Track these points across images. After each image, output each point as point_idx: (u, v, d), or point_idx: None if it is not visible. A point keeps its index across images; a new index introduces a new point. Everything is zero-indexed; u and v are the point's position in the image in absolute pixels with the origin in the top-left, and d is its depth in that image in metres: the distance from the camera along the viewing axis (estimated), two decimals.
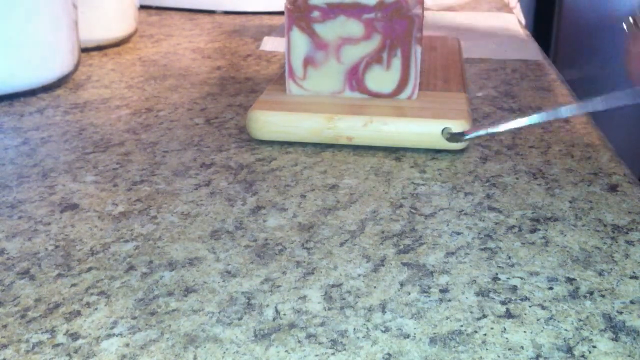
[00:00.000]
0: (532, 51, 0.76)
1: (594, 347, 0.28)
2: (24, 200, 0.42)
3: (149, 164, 0.47)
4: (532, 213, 0.40)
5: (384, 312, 0.31)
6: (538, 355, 0.28)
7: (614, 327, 0.30)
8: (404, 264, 0.34)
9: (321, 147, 0.49)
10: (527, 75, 0.67)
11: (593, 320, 0.30)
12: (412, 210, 0.40)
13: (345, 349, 0.28)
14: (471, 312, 0.31)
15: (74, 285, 0.33)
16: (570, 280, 0.33)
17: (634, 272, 0.34)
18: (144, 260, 0.35)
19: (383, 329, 0.29)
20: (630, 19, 0.55)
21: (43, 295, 0.32)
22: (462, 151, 0.48)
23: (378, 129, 0.47)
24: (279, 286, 0.33)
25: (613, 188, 0.43)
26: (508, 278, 0.33)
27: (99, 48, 0.78)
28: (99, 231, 0.38)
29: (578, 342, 0.29)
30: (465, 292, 0.32)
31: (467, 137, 0.46)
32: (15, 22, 0.58)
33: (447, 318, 0.30)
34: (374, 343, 0.29)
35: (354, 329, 0.30)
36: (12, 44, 0.58)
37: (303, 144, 0.49)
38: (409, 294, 0.32)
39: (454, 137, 0.46)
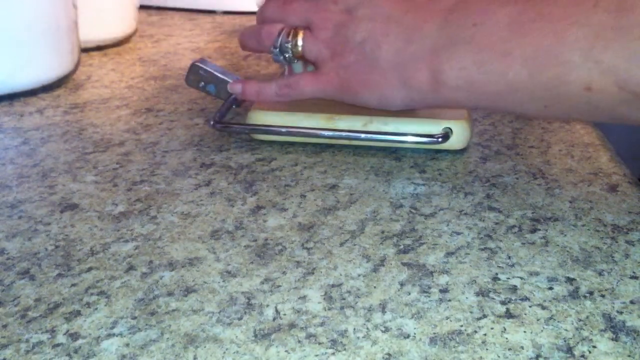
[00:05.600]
0: None
1: (594, 347, 0.28)
2: (24, 200, 0.42)
3: (149, 164, 0.47)
4: (532, 213, 0.40)
5: (384, 312, 0.31)
6: (538, 355, 0.28)
7: (614, 327, 0.30)
8: (404, 264, 0.34)
9: (321, 147, 0.49)
10: None
11: (593, 320, 0.30)
12: (412, 210, 0.40)
13: (345, 349, 0.28)
14: (471, 312, 0.31)
15: (74, 285, 0.33)
16: (570, 280, 0.33)
17: (634, 272, 0.34)
18: (144, 260, 0.35)
19: (383, 329, 0.29)
20: None
21: (43, 295, 0.32)
22: (462, 151, 0.48)
23: (378, 129, 0.47)
24: (279, 286, 0.33)
25: (613, 188, 0.43)
26: (508, 278, 0.33)
27: (99, 48, 0.78)
28: (99, 231, 0.38)
29: (578, 342, 0.29)
30: (465, 292, 0.32)
31: None
32: (15, 22, 0.58)
33: (447, 318, 0.30)
34: (374, 343, 0.29)
35: (354, 329, 0.30)
36: (12, 44, 0.58)
37: (303, 144, 0.49)
38: (409, 294, 0.32)
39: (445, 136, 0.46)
